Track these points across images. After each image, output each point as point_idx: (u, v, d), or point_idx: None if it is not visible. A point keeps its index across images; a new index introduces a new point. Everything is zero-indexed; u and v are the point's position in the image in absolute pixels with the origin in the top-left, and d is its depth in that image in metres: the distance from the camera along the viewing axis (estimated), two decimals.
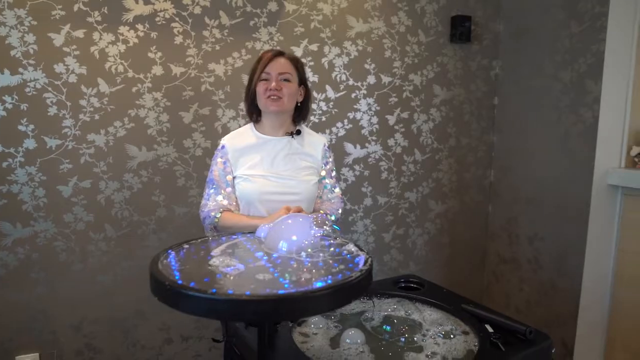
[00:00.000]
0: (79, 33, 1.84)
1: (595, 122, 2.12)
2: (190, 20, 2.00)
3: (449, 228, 2.75)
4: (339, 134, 2.38)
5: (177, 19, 1.98)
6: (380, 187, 2.53)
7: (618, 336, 2.08)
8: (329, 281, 0.85)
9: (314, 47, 2.25)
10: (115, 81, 1.91)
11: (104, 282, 2.00)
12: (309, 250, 1.03)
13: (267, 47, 2.14)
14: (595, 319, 2.14)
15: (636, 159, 2.06)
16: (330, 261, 0.99)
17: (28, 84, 1.80)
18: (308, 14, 2.21)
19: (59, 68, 1.83)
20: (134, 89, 1.95)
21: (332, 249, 1.06)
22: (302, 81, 1.58)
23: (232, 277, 0.88)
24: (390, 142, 2.51)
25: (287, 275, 0.88)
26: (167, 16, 1.96)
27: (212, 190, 1.55)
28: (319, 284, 0.83)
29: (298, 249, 1.02)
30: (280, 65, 1.51)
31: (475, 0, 2.59)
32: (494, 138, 2.77)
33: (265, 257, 0.99)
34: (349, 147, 2.42)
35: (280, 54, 1.53)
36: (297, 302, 0.77)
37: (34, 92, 1.81)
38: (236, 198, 1.56)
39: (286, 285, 0.83)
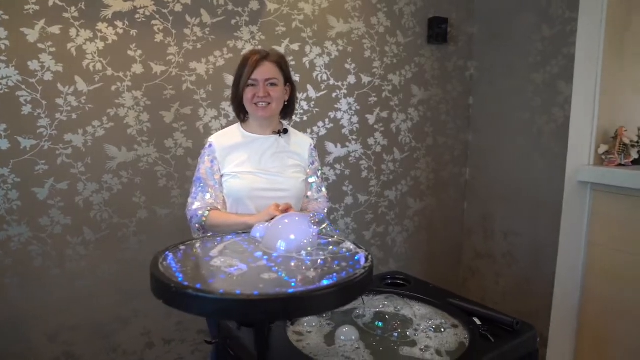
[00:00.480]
0: (55, 29, 1.78)
1: (567, 122, 2.21)
2: (171, 18, 1.96)
3: (427, 225, 2.81)
4: (320, 134, 2.39)
5: (157, 16, 1.94)
6: (361, 186, 2.56)
7: (588, 324, 2.18)
8: (335, 279, 0.86)
9: (295, 46, 2.25)
10: (94, 79, 1.86)
11: (82, 287, 1.93)
12: (309, 249, 1.03)
13: (248, 47, 2.13)
14: (568, 309, 2.24)
15: (603, 157, 2.16)
16: (331, 259, 1.00)
17: (0, 81, 1.72)
18: (289, 13, 2.21)
19: (33, 65, 1.76)
20: (113, 88, 1.89)
21: (330, 247, 1.07)
22: (288, 79, 1.58)
23: (235, 278, 0.87)
24: (370, 141, 2.54)
25: (292, 274, 0.88)
26: (147, 13, 1.92)
27: (199, 189, 1.54)
28: (325, 282, 0.84)
29: (297, 248, 1.03)
30: (267, 70, 1.50)
31: (450, 3, 2.65)
32: (470, 137, 2.85)
33: (265, 257, 0.99)
34: (330, 146, 2.43)
35: (265, 56, 1.52)
36: (307, 300, 0.78)
37: (6, 90, 1.73)
38: (223, 197, 1.55)
39: (293, 284, 0.84)
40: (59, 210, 1.86)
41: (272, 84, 1.51)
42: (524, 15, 2.43)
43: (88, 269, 1.94)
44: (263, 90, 1.49)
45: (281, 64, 1.55)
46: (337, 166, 2.47)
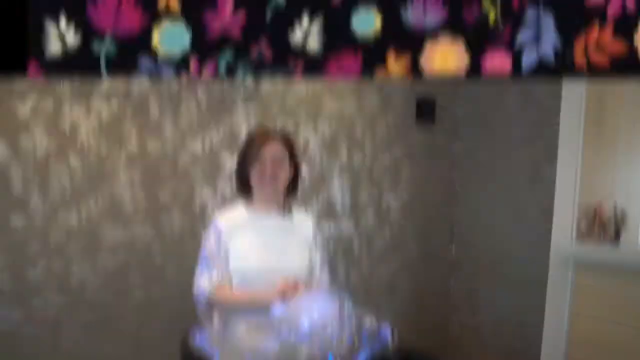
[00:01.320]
0: (47, 104, 1.76)
1: (551, 201, 2.31)
2: (166, 96, 1.99)
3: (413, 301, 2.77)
4: (313, 212, 2.40)
5: (153, 93, 1.96)
6: (352, 264, 2.54)
7: None
8: (368, 353, 0.85)
9: (289, 125, 2.31)
10: (88, 156, 1.85)
11: None
12: (333, 324, 1.02)
13: (244, 124, 2.17)
14: None
15: (584, 233, 2.29)
16: (357, 334, 0.99)
17: None
18: (284, 91, 2.29)
19: (24, 141, 1.74)
20: (108, 165, 1.89)
21: (353, 322, 1.07)
22: (293, 158, 1.62)
23: (270, 355, 0.85)
24: (362, 220, 2.57)
25: (326, 350, 0.87)
26: (142, 90, 1.94)
27: (205, 268, 1.52)
28: (362, 357, 0.83)
29: (322, 326, 1.01)
30: (274, 150, 1.54)
31: (438, 86, 2.74)
32: (455, 215, 2.90)
33: (293, 334, 0.97)
34: (322, 224, 2.43)
35: (272, 135, 1.59)
36: None
37: None
38: (230, 275, 1.52)
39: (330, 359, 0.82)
40: (53, 291, 1.78)
41: (278, 162, 1.55)
42: (509, 99, 2.58)
43: (84, 353, 1.82)
44: (271, 170, 1.53)
45: (287, 142, 1.60)
46: (329, 245, 2.45)
